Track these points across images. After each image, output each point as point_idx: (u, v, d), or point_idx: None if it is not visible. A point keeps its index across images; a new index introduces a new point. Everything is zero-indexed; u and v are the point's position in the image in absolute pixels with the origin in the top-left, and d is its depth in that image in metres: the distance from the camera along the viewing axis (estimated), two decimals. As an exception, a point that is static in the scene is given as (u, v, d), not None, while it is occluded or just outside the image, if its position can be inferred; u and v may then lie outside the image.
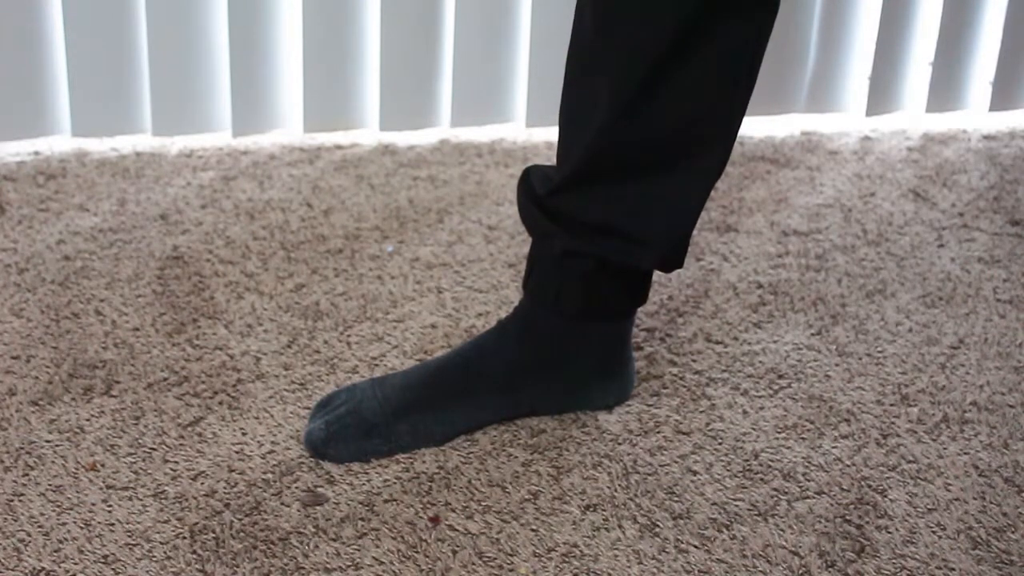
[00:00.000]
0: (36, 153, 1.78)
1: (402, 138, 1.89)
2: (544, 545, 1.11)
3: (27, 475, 1.16)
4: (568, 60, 1.14)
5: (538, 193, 1.19)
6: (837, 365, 1.38)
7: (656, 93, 1.09)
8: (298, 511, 1.13)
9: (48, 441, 1.20)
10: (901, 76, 2.04)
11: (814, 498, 1.18)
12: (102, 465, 1.17)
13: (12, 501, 1.12)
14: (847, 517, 1.16)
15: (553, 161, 1.22)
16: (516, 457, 1.21)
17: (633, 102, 1.09)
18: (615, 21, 1.07)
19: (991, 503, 1.18)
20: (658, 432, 1.25)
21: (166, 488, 1.15)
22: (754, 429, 1.27)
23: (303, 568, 1.07)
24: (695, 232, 1.63)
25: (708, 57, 1.08)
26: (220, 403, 1.26)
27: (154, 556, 1.07)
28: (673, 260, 1.19)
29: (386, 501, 1.15)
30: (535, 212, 1.20)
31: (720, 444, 1.24)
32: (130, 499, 1.13)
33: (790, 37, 1.96)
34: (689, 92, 1.10)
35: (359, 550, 1.09)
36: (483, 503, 1.15)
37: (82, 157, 1.77)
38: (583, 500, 1.16)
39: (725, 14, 1.06)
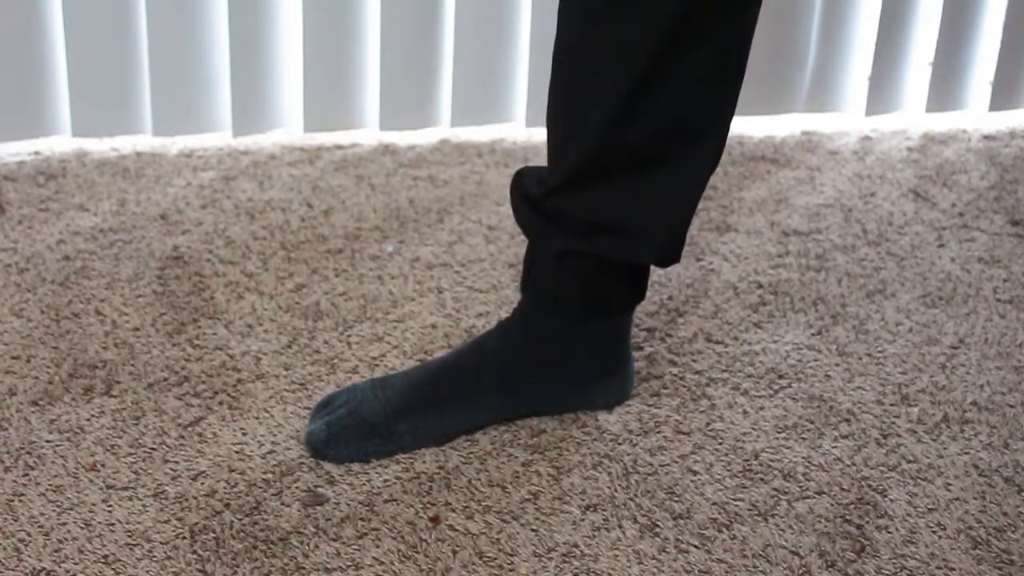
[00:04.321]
0: (36, 153, 1.78)
1: (402, 138, 1.89)
2: (544, 545, 1.11)
3: (27, 475, 1.16)
4: (556, 61, 1.14)
5: (533, 195, 1.19)
6: (837, 365, 1.38)
7: (652, 92, 1.09)
8: (298, 511, 1.13)
9: (48, 441, 1.20)
10: (901, 76, 2.04)
11: (814, 498, 1.18)
12: (102, 465, 1.17)
13: (12, 501, 1.12)
14: (847, 517, 1.16)
15: (553, 161, 1.22)
16: (516, 457, 1.21)
17: (630, 102, 1.09)
18: (610, 22, 1.07)
19: (991, 503, 1.18)
20: (658, 432, 1.25)
21: (166, 488, 1.15)
22: (754, 429, 1.27)
23: (303, 568, 1.07)
24: (695, 232, 1.63)
25: (701, 54, 1.08)
26: (220, 403, 1.26)
27: (154, 556, 1.07)
28: (671, 255, 1.20)
29: (386, 501, 1.15)
30: (531, 214, 1.20)
31: (720, 444, 1.24)
32: (130, 499, 1.13)
33: (790, 37, 1.96)
34: (684, 89, 1.10)
35: (359, 550, 1.09)
36: (483, 503, 1.15)
37: (82, 157, 1.77)
38: (583, 500, 1.16)
39: (715, 12, 1.06)
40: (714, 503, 1.16)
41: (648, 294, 1.42)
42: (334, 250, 1.56)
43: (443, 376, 1.23)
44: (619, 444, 1.23)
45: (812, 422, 1.28)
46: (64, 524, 1.10)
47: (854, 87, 2.04)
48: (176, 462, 1.18)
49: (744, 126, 1.99)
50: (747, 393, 1.32)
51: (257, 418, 1.25)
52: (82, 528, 1.10)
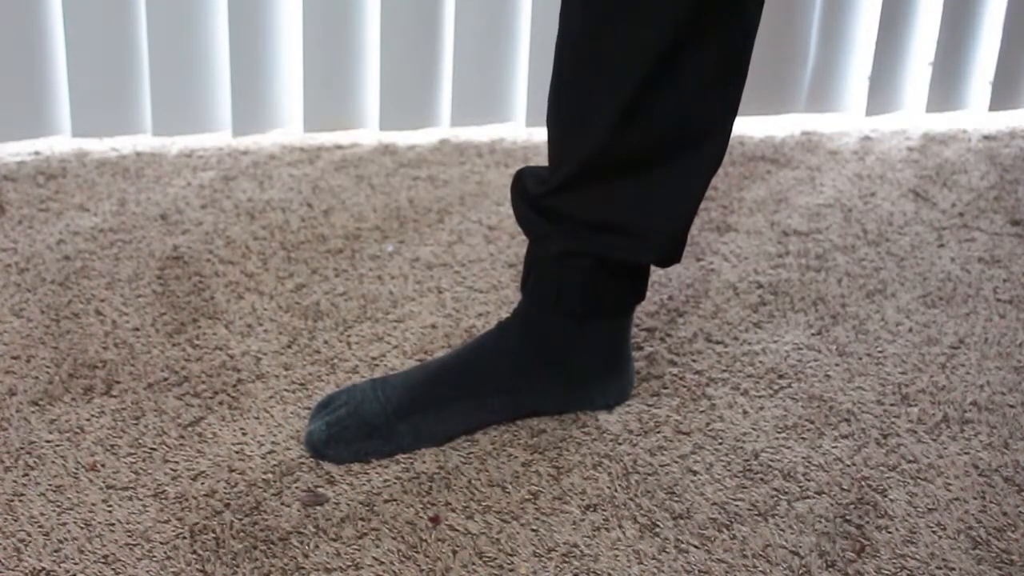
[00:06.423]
0: (36, 153, 1.78)
1: (402, 138, 1.89)
2: (544, 545, 1.11)
3: (27, 475, 1.16)
4: (558, 61, 1.14)
5: (533, 195, 1.19)
6: (837, 365, 1.38)
7: (657, 93, 1.09)
8: (298, 511, 1.13)
9: (48, 441, 1.20)
10: (901, 76, 2.04)
11: (814, 498, 1.18)
12: (102, 465, 1.17)
13: (12, 501, 1.12)
14: (847, 517, 1.16)
15: (553, 161, 1.22)
16: (516, 457, 1.21)
17: (633, 103, 1.09)
18: (615, 23, 1.07)
19: (991, 503, 1.18)
20: (658, 432, 1.25)
21: (166, 488, 1.15)
22: (754, 429, 1.27)
23: (303, 568, 1.07)
24: (695, 232, 1.63)
25: (704, 56, 1.08)
26: (220, 403, 1.27)
27: (154, 556, 1.07)
28: (672, 255, 1.20)
29: (386, 501, 1.15)
30: (531, 214, 1.20)
31: (720, 444, 1.24)
32: (130, 499, 1.13)
33: (790, 37, 1.96)
34: (686, 90, 1.10)
35: (359, 550, 1.09)
36: (483, 503, 1.15)
37: (82, 157, 1.77)
38: (583, 500, 1.16)
39: (718, 14, 1.06)
40: (714, 503, 1.16)
41: (648, 294, 1.42)
42: (334, 250, 1.56)
43: (443, 376, 1.23)
44: (619, 444, 1.24)
45: (812, 422, 1.28)
46: (64, 524, 1.10)
47: (854, 87, 2.04)
48: (176, 462, 1.18)
49: (744, 126, 1.99)
50: (747, 393, 1.32)
51: (257, 418, 1.25)
52: (82, 528, 1.10)
